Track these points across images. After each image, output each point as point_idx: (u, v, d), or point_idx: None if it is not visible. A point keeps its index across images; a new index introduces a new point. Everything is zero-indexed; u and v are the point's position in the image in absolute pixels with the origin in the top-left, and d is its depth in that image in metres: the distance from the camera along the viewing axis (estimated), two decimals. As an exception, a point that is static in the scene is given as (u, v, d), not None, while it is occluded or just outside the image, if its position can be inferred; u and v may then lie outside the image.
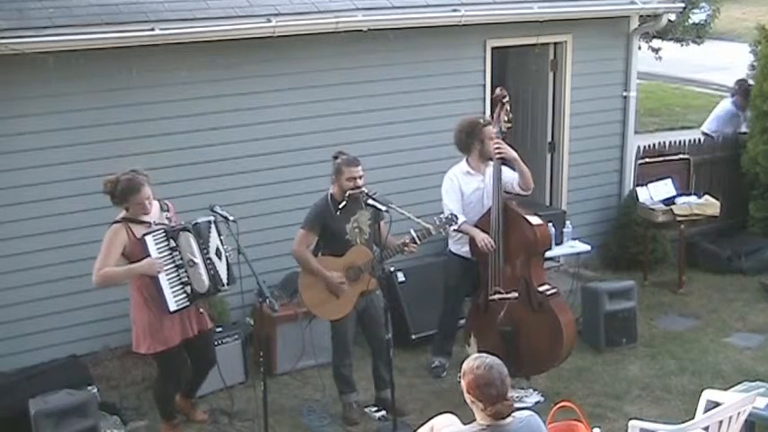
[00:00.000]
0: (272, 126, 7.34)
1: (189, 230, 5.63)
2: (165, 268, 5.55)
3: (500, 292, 6.36)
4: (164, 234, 5.58)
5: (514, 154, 6.41)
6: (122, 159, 6.66)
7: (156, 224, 5.63)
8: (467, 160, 6.58)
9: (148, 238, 5.51)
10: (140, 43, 6.55)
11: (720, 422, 4.67)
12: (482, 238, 6.33)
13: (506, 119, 6.45)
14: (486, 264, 6.41)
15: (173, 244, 5.59)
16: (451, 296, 6.81)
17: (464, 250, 6.60)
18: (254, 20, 6.89)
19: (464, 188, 6.51)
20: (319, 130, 7.47)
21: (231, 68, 7.11)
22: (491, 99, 6.51)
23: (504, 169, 6.44)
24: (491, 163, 6.52)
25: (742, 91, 9.86)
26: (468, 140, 6.53)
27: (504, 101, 6.44)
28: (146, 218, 5.61)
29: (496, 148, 6.35)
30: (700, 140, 9.71)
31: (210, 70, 7.05)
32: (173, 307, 5.58)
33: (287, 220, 7.14)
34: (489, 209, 6.41)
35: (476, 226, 6.42)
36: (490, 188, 6.45)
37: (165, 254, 5.57)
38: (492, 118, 6.58)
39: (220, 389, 6.37)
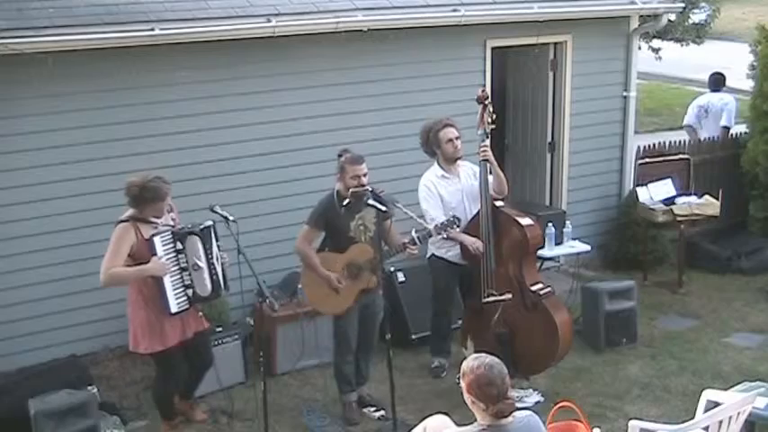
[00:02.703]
0: (271, 126, 7.34)
1: (197, 234, 5.64)
2: (170, 270, 5.56)
3: (493, 294, 6.35)
4: (171, 236, 5.60)
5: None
6: (122, 159, 6.69)
7: (162, 225, 5.64)
8: (438, 164, 6.56)
9: (157, 239, 5.53)
10: (140, 43, 6.54)
11: (720, 422, 4.67)
12: (471, 243, 6.32)
13: (490, 120, 6.39)
14: (478, 266, 6.40)
15: (179, 246, 5.61)
16: (441, 298, 6.80)
17: (450, 255, 6.59)
18: (254, 20, 6.89)
19: (442, 192, 6.48)
20: (319, 130, 7.47)
21: (231, 68, 7.11)
22: (475, 99, 6.45)
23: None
24: (461, 164, 6.52)
25: (718, 81, 10.40)
26: (428, 147, 6.54)
27: (487, 102, 6.39)
28: (155, 219, 5.62)
29: (482, 150, 6.33)
30: (699, 140, 9.72)
31: (210, 70, 7.05)
32: (174, 309, 5.60)
33: (287, 220, 7.15)
34: (478, 212, 6.40)
35: (465, 230, 6.40)
36: (467, 189, 6.46)
37: (171, 256, 5.59)
38: (479, 120, 6.50)
39: (220, 389, 6.37)
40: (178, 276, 5.63)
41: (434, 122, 6.54)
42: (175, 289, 5.60)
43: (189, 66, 6.96)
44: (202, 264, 5.64)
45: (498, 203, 6.41)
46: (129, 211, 5.61)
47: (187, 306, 5.69)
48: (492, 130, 6.46)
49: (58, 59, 6.35)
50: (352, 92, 7.61)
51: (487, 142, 6.37)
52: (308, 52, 7.35)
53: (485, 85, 8.05)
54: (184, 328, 5.76)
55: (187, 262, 5.63)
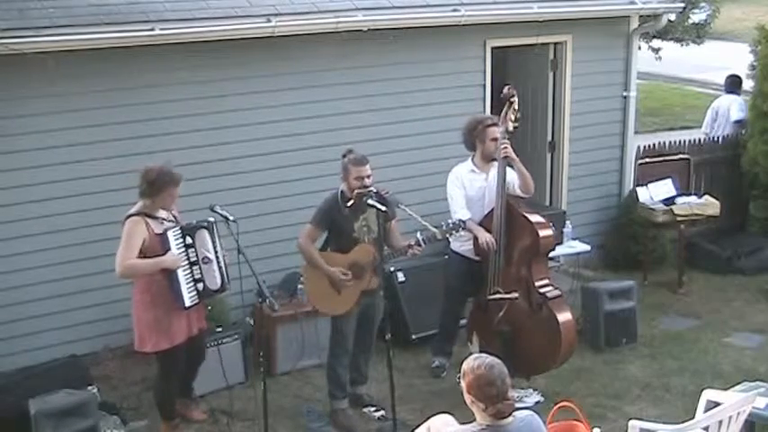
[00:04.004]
0: (271, 126, 7.34)
1: (207, 228, 5.71)
2: (182, 264, 5.59)
3: (499, 292, 6.36)
4: (180, 231, 5.64)
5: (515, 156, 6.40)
6: (122, 159, 6.69)
7: (167, 221, 5.69)
8: (472, 159, 6.58)
9: (170, 233, 5.57)
10: (140, 43, 6.55)
11: (720, 422, 4.67)
12: (483, 237, 6.33)
13: (513, 118, 6.39)
14: (487, 263, 6.41)
15: (189, 241, 5.66)
16: (452, 296, 6.81)
17: (464, 249, 6.60)
18: (254, 20, 6.89)
19: (467, 185, 6.51)
20: (319, 130, 7.47)
21: (231, 68, 7.11)
22: (500, 98, 6.47)
23: (507, 170, 6.42)
24: (495, 164, 6.52)
25: (735, 83, 10.28)
26: (471, 139, 6.55)
27: (512, 100, 6.39)
28: (161, 214, 5.65)
29: (503, 148, 6.33)
30: (700, 140, 9.72)
31: (210, 70, 7.05)
32: (188, 303, 5.64)
33: (287, 219, 7.15)
34: (493, 209, 6.40)
35: (479, 225, 6.42)
36: (493, 188, 6.46)
37: (182, 250, 5.63)
38: (499, 117, 6.52)
39: (221, 389, 6.37)
40: (189, 271, 5.67)
41: (484, 117, 6.65)
42: (187, 283, 5.64)
43: (189, 66, 6.96)
44: (212, 256, 5.69)
45: (515, 203, 6.39)
46: (138, 206, 5.63)
47: (197, 300, 5.73)
48: (515, 128, 6.45)
49: (59, 59, 6.35)
50: (352, 92, 7.61)
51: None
52: (308, 52, 7.35)
53: (484, 84, 8.08)
54: (190, 324, 5.80)
55: (197, 256, 5.69)
